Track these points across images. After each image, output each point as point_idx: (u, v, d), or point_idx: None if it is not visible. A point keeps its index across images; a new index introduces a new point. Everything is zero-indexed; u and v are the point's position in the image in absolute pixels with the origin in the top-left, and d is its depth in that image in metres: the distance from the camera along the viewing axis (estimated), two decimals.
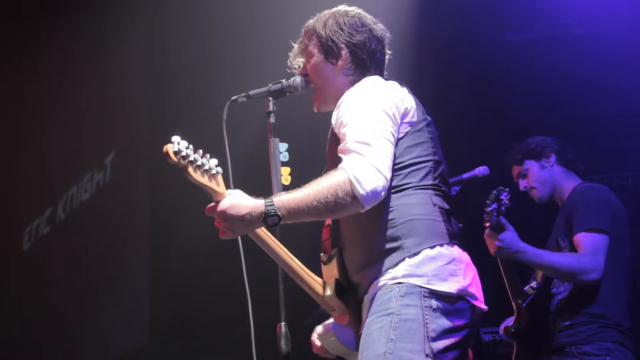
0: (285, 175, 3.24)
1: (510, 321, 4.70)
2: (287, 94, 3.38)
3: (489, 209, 4.57)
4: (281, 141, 3.29)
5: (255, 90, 3.41)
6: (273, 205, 2.83)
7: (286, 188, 3.23)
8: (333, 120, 3.11)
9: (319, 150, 3.22)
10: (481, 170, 4.66)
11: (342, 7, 3.36)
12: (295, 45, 3.41)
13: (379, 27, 3.34)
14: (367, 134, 2.90)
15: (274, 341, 3.21)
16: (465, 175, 4.64)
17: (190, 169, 2.78)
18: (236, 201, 2.86)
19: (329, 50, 3.26)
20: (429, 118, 3.18)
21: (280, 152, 3.27)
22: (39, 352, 8.83)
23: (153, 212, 7.76)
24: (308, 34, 3.34)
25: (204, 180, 2.83)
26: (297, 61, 3.41)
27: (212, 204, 2.88)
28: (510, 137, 5.05)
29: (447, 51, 6.42)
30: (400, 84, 3.18)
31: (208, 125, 3.92)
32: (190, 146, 2.78)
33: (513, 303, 4.68)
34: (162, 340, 7.31)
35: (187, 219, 7.01)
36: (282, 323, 3.22)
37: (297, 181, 3.29)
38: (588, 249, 4.36)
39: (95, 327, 8.16)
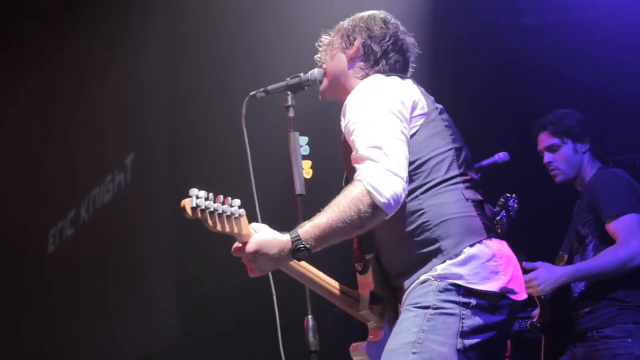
0: (306, 169, 3.24)
1: (537, 311, 4.70)
2: (306, 87, 3.38)
3: (498, 218, 4.57)
4: (301, 135, 3.30)
5: (273, 85, 3.42)
6: (300, 239, 2.80)
7: (308, 182, 3.25)
8: (343, 128, 3.07)
9: (340, 143, 3.22)
10: (501, 156, 4.65)
11: (376, 11, 3.35)
12: (325, 40, 3.40)
13: (408, 38, 3.32)
14: (376, 138, 2.86)
15: (301, 334, 3.22)
16: (485, 162, 4.63)
17: (210, 222, 2.75)
18: (263, 240, 2.83)
19: (346, 40, 3.27)
20: (439, 106, 3.14)
21: (301, 146, 3.27)
22: (65, 354, 8.88)
23: (176, 211, 7.77)
24: (337, 29, 3.36)
25: (227, 229, 2.78)
26: (324, 57, 3.40)
27: (239, 245, 2.86)
28: (527, 122, 5.01)
29: (462, 37, 6.41)
30: (402, 76, 3.15)
31: (227, 122, 3.94)
32: (210, 195, 2.74)
33: (536, 298, 4.67)
34: (190, 338, 7.34)
35: None
36: (309, 316, 3.22)
37: (319, 174, 3.31)
38: (622, 237, 4.34)
39: (121, 328, 8.20)
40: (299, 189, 3.23)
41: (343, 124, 3.05)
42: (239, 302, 6.76)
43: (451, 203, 2.96)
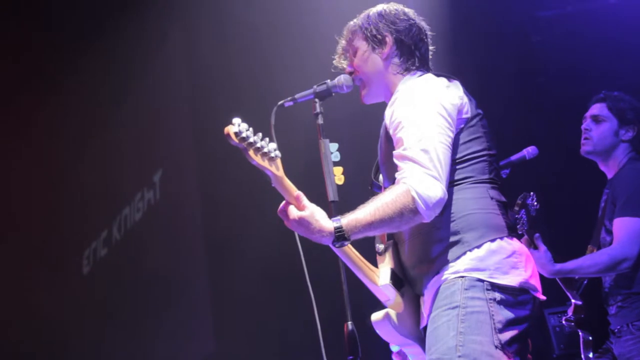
0: (338, 175, 3.24)
1: (572, 306, 4.69)
2: (333, 94, 3.38)
3: (517, 216, 4.55)
4: (331, 141, 3.30)
5: (301, 93, 3.42)
6: (342, 230, 2.86)
7: (340, 188, 3.25)
8: (386, 119, 3.12)
9: (370, 147, 3.22)
10: (529, 151, 4.61)
11: (384, 4, 3.38)
12: (339, 45, 3.43)
13: (421, 21, 3.36)
14: (423, 140, 2.93)
15: (342, 340, 3.22)
16: (514, 157, 4.59)
17: (251, 151, 2.83)
18: (308, 217, 2.89)
19: (374, 40, 3.29)
20: (480, 112, 3.18)
21: (332, 153, 3.27)
22: None
23: (207, 225, 7.81)
24: (351, 31, 3.37)
25: (265, 163, 2.87)
26: (341, 62, 3.43)
27: (285, 204, 2.94)
28: (550, 114, 4.98)
29: (482, 32, 6.40)
30: (449, 77, 3.19)
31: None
32: (250, 129, 2.83)
33: (568, 294, 4.65)
34: (228, 354, 7.34)
35: (242, 227, 7.05)
36: (349, 322, 3.22)
37: (351, 180, 3.31)
38: (620, 237, 4.35)
39: (158, 348, 8.22)
40: (332, 195, 3.22)
41: (388, 115, 3.10)
42: (275, 315, 6.77)
43: (475, 199, 3.03)
